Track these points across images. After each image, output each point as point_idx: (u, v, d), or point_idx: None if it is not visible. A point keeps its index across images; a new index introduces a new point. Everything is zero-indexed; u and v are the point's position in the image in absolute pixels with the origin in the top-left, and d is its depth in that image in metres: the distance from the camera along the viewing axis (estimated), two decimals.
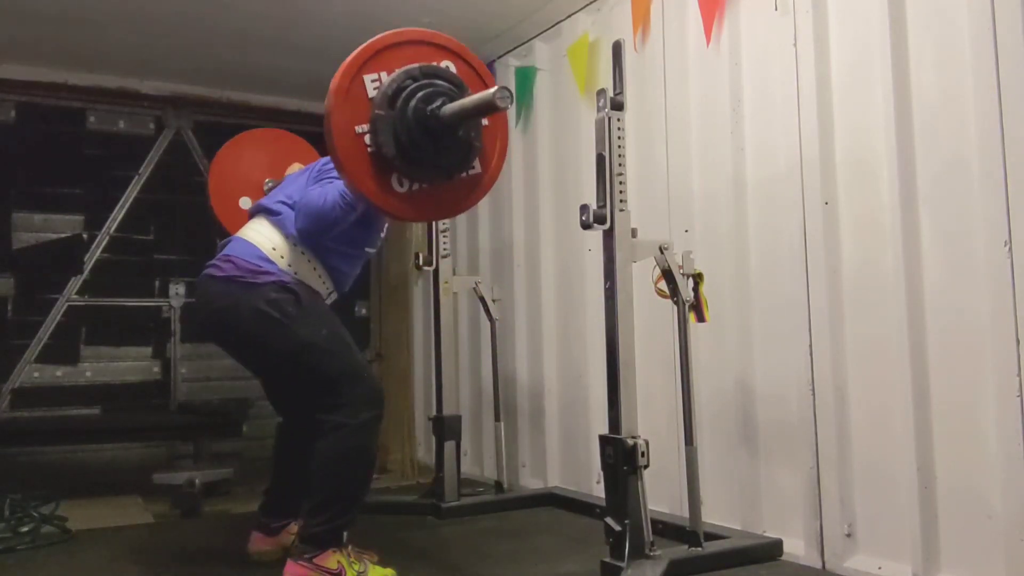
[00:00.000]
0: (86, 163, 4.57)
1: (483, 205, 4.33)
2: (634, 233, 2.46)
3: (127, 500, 3.87)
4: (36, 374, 4.38)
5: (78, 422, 4.34)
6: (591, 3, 3.61)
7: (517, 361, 4.01)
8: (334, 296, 2.67)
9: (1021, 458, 2.04)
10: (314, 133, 5.31)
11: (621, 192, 2.40)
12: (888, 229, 2.38)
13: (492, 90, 2.09)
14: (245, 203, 3.18)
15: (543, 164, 3.93)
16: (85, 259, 4.52)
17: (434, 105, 2.21)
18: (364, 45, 2.25)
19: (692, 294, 2.60)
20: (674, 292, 2.58)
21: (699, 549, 2.53)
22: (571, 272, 3.70)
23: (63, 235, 4.50)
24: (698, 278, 2.62)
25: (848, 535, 2.47)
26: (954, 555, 2.22)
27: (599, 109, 2.44)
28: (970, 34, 2.20)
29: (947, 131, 2.27)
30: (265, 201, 2.69)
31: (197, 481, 3.64)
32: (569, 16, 3.73)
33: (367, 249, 2.71)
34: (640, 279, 2.56)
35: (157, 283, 4.68)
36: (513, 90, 4.03)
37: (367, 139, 2.21)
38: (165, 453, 4.46)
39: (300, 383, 2.53)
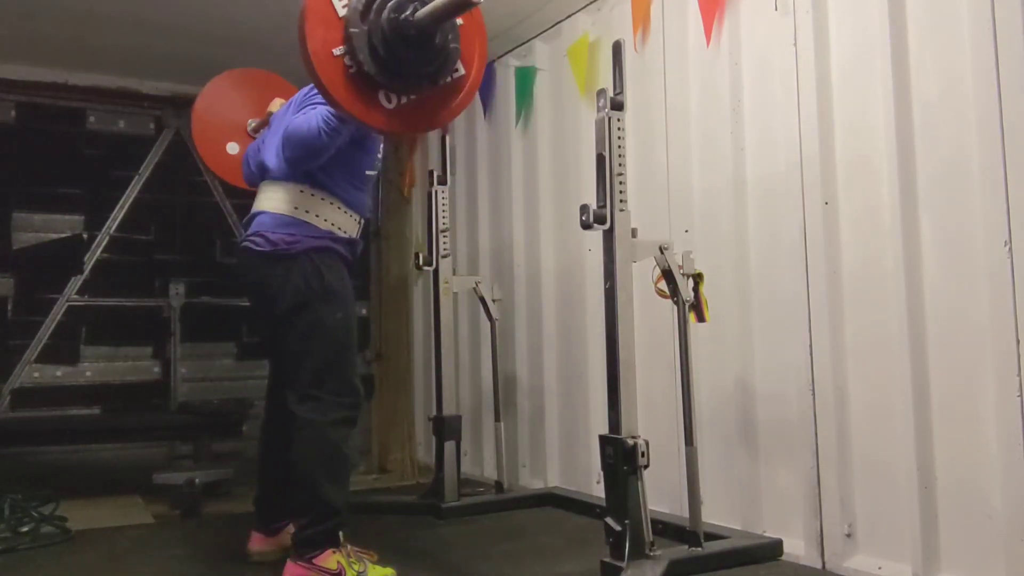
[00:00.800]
0: (86, 163, 4.56)
1: (483, 205, 4.35)
2: (634, 233, 2.45)
3: (127, 500, 3.87)
4: (36, 374, 4.37)
5: (78, 422, 4.33)
6: (591, 3, 3.61)
7: (517, 361, 4.01)
8: (362, 224, 2.69)
9: (1021, 458, 2.04)
10: None
11: (621, 192, 2.40)
12: (888, 229, 2.38)
13: None
14: (233, 148, 3.17)
15: (543, 164, 3.93)
16: (85, 259, 4.52)
17: (407, 12, 2.17)
18: None
19: (692, 294, 2.60)
20: (674, 292, 2.58)
21: (699, 549, 2.53)
22: (571, 272, 3.70)
23: (63, 235, 4.50)
24: (698, 278, 2.62)
25: (848, 535, 2.47)
26: (954, 555, 2.22)
27: (599, 109, 2.44)
28: (970, 34, 2.20)
29: (947, 131, 2.27)
30: (264, 156, 2.67)
31: (197, 481, 3.64)
32: (569, 16, 3.73)
33: (368, 172, 2.71)
34: (640, 279, 2.56)
35: (157, 283, 4.67)
36: (502, 87, 4.05)
37: (346, 60, 2.17)
38: (165, 453, 4.46)
39: (293, 353, 2.52)
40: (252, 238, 2.56)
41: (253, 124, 3.15)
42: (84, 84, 4.50)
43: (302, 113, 2.51)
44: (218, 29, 3.93)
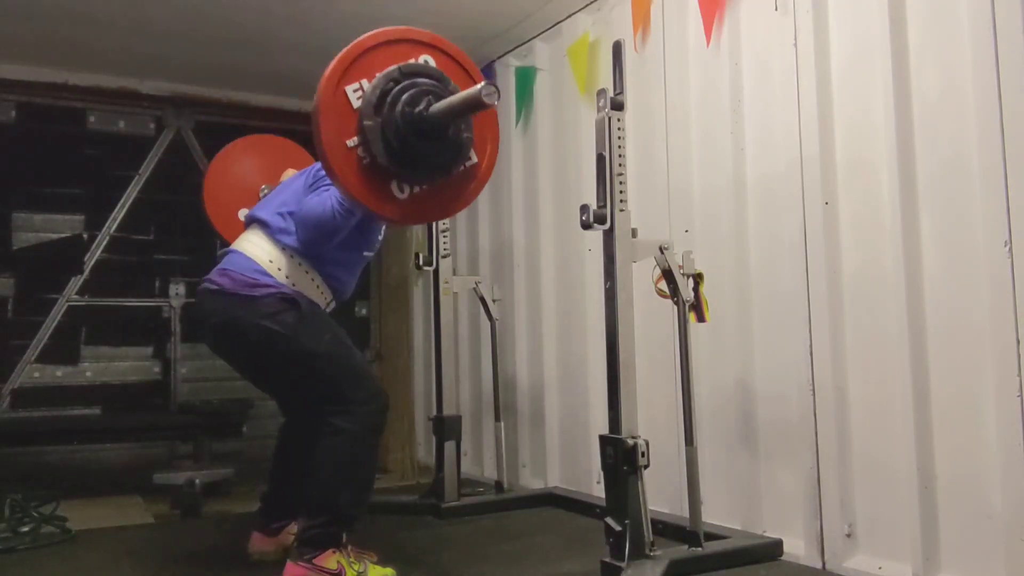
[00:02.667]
0: (86, 163, 4.56)
1: (483, 205, 4.34)
2: (634, 233, 2.46)
3: (127, 500, 3.87)
4: (36, 374, 4.37)
5: (78, 422, 4.33)
6: (591, 3, 3.61)
7: (517, 361, 4.01)
8: (333, 305, 2.66)
9: (1021, 458, 2.04)
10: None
11: (621, 192, 2.40)
12: (888, 228, 2.38)
13: (479, 87, 2.06)
14: (243, 214, 3.17)
15: (543, 164, 3.93)
16: (85, 259, 4.52)
17: (420, 106, 2.18)
18: (338, 57, 2.21)
19: (692, 294, 2.60)
20: (674, 292, 2.58)
21: (699, 549, 2.53)
22: (571, 272, 3.70)
23: (63, 235, 4.50)
24: (698, 278, 2.62)
25: (848, 535, 2.47)
26: (954, 555, 2.22)
27: (599, 109, 2.44)
28: (970, 33, 2.20)
29: (947, 130, 2.27)
30: (259, 211, 2.66)
31: (197, 481, 3.64)
32: (569, 16, 3.73)
33: (365, 253, 2.70)
34: (640, 279, 2.56)
35: (157, 283, 4.67)
36: (502, 87, 4.03)
37: (360, 151, 2.18)
38: (165, 453, 4.46)
39: (305, 389, 2.52)
40: (213, 279, 2.52)
41: (265, 190, 3.15)
42: (84, 84, 4.50)
43: (315, 194, 2.47)
44: (218, 29, 3.93)
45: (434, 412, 3.65)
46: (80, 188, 4.54)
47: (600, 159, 2.42)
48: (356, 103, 2.19)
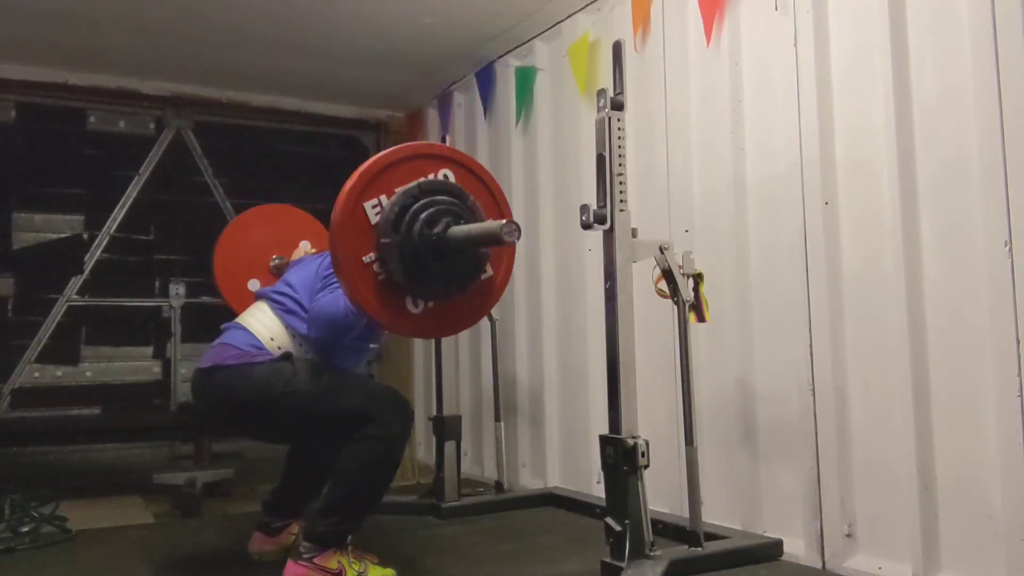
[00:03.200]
0: (86, 163, 4.56)
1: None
2: (634, 233, 2.45)
3: (127, 500, 3.87)
4: (36, 374, 4.37)
5: (78, 422, 4.33)
6: (591, 3, 3.61)
7: (517, 361, 4.01)
8: None
9: (1021, 458, 2.04)
10: (313, 133, 5.32)
11: (621, 192, 2.40)
12: (888, 229, 2.38)
13: (499, 224, 2.08)
14: (254, 285, 3.15)
15: (543, 164, 3.93)
16: (85, 259, 4.52)
17: (439, 228, 2.20)
18: (358, 172, 2.21)
19: (692, 294, 2.60)
20: (674, 292, 2.58)
21: (699, 549, 2.53)
22: (571, 272, 3.70)
23: (63, 235, 4.50)
24: (698, 278, 2.62)
25: (848, 535, 2.47)
26: (954, 555, 2.22)
27: (599, 109, 2.44)
28: (970, 34, 2.20)
29: (947, 131, 2.27)
30: (270, 290, 2.66)
31: (197, 481, 3.64)
32: (569, 16, 3.73)
33: (372, 345, 2.70)
34: (640, 279, 2.56)
35: (157, 283, 4.67)
36: (502, 87, 4.06)
37: (375, 267, 2.19)
38: (165, 453, 4.46)
39: (330, 429, 2.46)
40: (207, 357, 2.51)
41: (276, 260, 3.15)
42: (84, 84, 4.50)
43: (329, 291, 2.46)
44: (218, 29, 3.93)
45: (434, 412, 3.65)
46: (80, 188, 4.54)
47: (600, 159, 2.42)
48: (374, 219, 2.19)
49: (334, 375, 2.49)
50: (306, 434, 2.60)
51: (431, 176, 2.29)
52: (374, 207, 2.20)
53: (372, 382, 2.58)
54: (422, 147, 2.37)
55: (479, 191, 2.37)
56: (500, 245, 2.19)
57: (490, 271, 2.40)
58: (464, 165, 2.40)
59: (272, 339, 2.50)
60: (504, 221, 2.09)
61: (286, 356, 2.47)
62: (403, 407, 2.49)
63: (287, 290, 2.60)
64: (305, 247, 2.96)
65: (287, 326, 2.53)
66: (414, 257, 2.19)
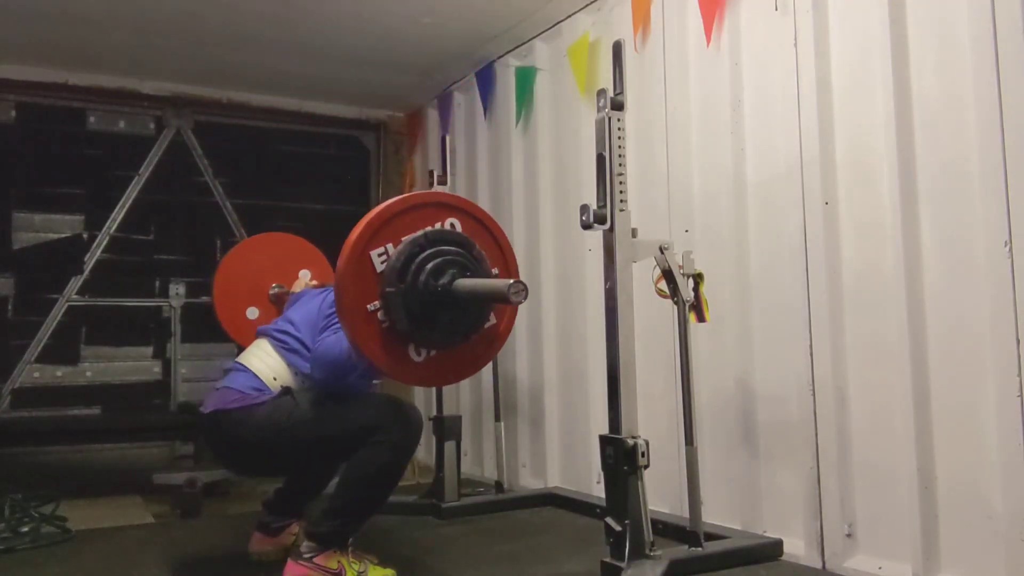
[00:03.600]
0: (86, 163, 4.56)
1: (483, 205, 4.33)
2: (634, 233, 2.45)
3: (127, 500, 3.87)
4: (36, 374, 4.37)
5: (78, 422, 4.33)
6: (591, 3, 3.61)
7: (517, 361, 4.01)
8: None
9: (1021, 458, 2.04)
10: (313, 133, 5.32)
11: (621, 192, 2.40)
12: (888, 229, 2.38)
13: (506, 284, 2.07)
14: (252, 313, 3.15)
15: (543, 164, 3.93)
16: (85, 259, 4.52)
17: (444, 279, 2.20)
18: (366, 221, 2.21)
19: (692, 294, 2.60)
20: (674, 292, 2.58)
21: (699, 549, 2.53)
22: (571, 272, 3.70)
23: (63, 235, 4.50)
24: (698, 278, 2.62)
25: (848, 535, 2.47)
26: (954, 555, 2.22)
27: (599, 109, 2.44)
28: (970, 34, 2.20)
29: (947, 131, 2.27)
30: (272, 328, 2.67)
31: (197, 481, 3.64)
32: (569, 16, 3.73)
33: (374, 382, 2.70)
34: (640, 279, 2.56)
35: (157, 283, 4.67)
36: (502, 87, 4.06)
37: (380, 315, 2.20)
38: (165, 453, 4.46)
39: (346, 448, 2.46)
40: (210, 402, 2.51)
41: (275, 289, 3.15)
42: (84, 84, 4.50)
43: (332, 331, 2.46)
44: (218, 30, 3.93)
45: (434, 412, 3.65)
46: (80, 188, 4.54)
47: (600, 159, 2.42)
48: (380, 267, 2.20)
49: (336, 398, 2.49)
50: (321, 458, 2.59)
51: (438, 225, 2.30)
52: (380, 255, 2.20)
53: (376, 395, 2.57)
54: (430, 196, 2.39)
55: (485, 240, 2.38)
56: (507, 304, 2.18)
57: (493, 319, 2.40)
58: (471, 214, 2.40)
59: (275, 379, 2.51)
60: (512, 281, 2.08)
61: (286, 391, 2.47)
62: (411, 415, 2.48)
63: (289, 328, 2.60)
64: (305, 277, 2.96)
65: (290, 365, 2.53)
66: (419, 306, 2.19)
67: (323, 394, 2.50)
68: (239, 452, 2.52)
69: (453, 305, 2.22)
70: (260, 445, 2.44)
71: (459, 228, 2.34)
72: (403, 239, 2.23)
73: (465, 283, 2.20)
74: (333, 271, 2.32)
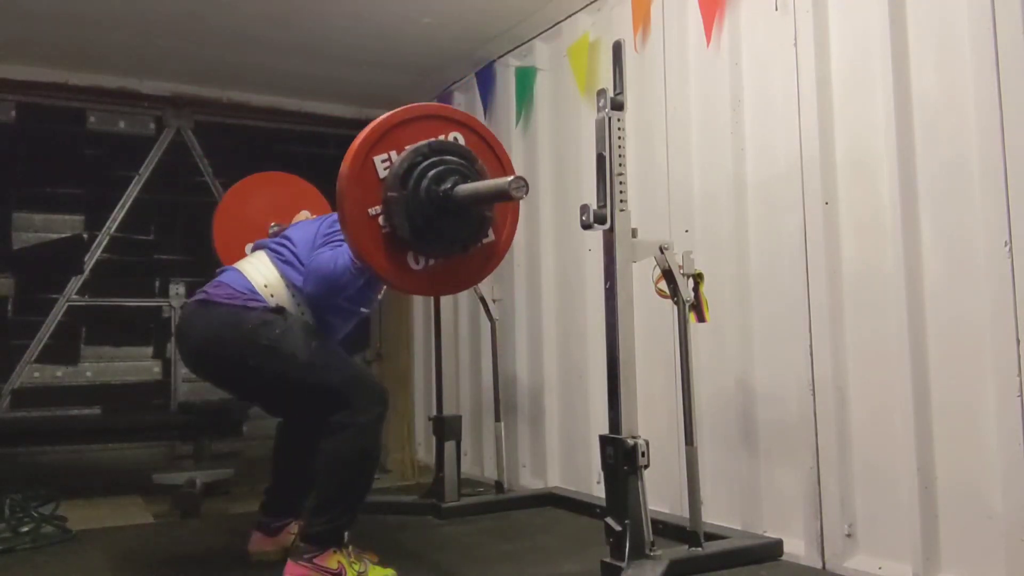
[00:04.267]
0: (86, 163, 4.56)
1: None
2: (634, 233, 2.45)
3: (127, 500, 3.87)
4: (36, 374, 4.37)
5: (78, 422, 4.34)
6: (591, 3, 3.61)
7: (517, 361, 4.01)
8: None
9: (1021, 458, 2.04)
10: (313, 133, 5.32)
11: (621, 192, 2.40)
12: (888, 229, 2.38)
13: (507, 179, 2.10)
14: (249, 248, 3.16)
15: (543, 164, 3.93)
16: (85, 259, 4.52)
17: (446, 185, 2.22)
18: (371, 127, 2.24)
19: (692, 294, 2.60)
20: (674, 292, 2.58)
21: (699, 549, 2.53)
22: (571, 272, 3.70)
23: (63, 235, 4.50)
24: (698, 278, 2.62)
25: (848, 535, 2.47)
26: (954, 555, 2.22)
27: (599, 109, 2.43)
28: (970, 34, 2.20)
29: (947, 131, 2.27)
30: (268, 241, 2.68)
31: (197, 481, 3.64)
32: (569, 16, 3.72)
33: (363, 309, 2.70)
34: (640, 279, 2.56)
35: (157, 283, 4.68)
36: (502, 87, 4.06)
37: (381, 220, 2.21)
38: (165, 453, 4.46)
39: (301, 400, 2.52)
40: (203, 291, 2.52)
41: (275, 228, 3.15)
42: (84, 84, 4.50)
43: (329, 247, 2.47)
44: (218, 30, 3.94)
45: (434, 412, 3.65)
46: (80, 188, 4.54)
47: (600, 159, 2.42)
48: (383, 173, 2.22)
49: (322, 345, 2.48)
50: (277, 397, 2.60)
51: (441, 137, 2.32)
52: (383, 161, 2.23)
53: (355, 364, 2.58)
54: (434, 108, 2.39)
55: (488, 156, 2.40)
56: (508, 200, 2.20)
57: (492, 236, 2.42)
58: (474, 130, 2.42)
59: (266, 286, 2.50)
60: (512, 177, 2.11)
61: (279, 310, 2.46)
62: (379, 393, 2.50)
63: (287, 243, 2.61)
64: (305, 215, 2.96)
65: (283, 276, 2.53)
66: (420, 213, 2.21)
67: (312, 333, 2.48)
68: (209, 350, 2.49)
69: (454, 213, 2.24)
70: (232, 350, 2.42)
71: (462, 142, 2.36)
72: (407, 147, 2.25)
73: (467, 186, 2.22)
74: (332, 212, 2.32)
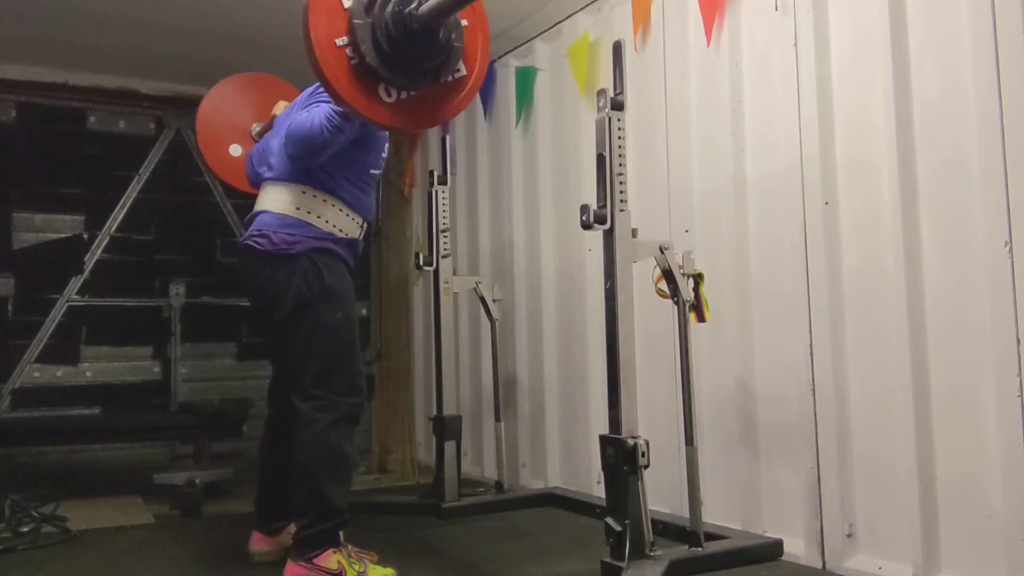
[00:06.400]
0: (86, 163, 4.56)
1: (483, 205, 4.34)
2: (634, 233, 2.46)
3: (127, 500, 3.87)
4: (36, 374, 4.37)
5: (78, 422, 4.33)
6: (591, 3, 3.61)
7: (517, 361, 4.01)
8: (365, 227, 2.71)
9: (1021, 458, 2.04)
10: None
11: (621, 192, 2.40)
12: (888, 228, 2.38)
13: None
14: (236, 151, 3.17)
15: (543, 164, 3.93)
16: (85, 259, 4.52)
17: (411, 6, 2.17)
18: None
19: (692, 294, 2.60)
20: (674, 292, 2.58)
21: (699, 549, 2.53)
22: (571, 272, 3.70)
23: (63, 235, 4.49)
24: (698, 278, 2.62)
25: (848, 535, 2.47)
26: (954, 555, 2.22)
27: (599, 109, 2.44)
28: (970, 33, 2.20)
29: (947, 130, 2.27)
30: (261, 166, 2.72)
31: (197, 481, 3.64)
32: (569, 16, 3.73)
33: (373, 171, 2.71)
34: (640, 279, 2.56)
35: (157, 283, 4.67)
36: (502, 87, 4.06)
37: (349, 51, 2.18)
38: (165, 453, 4.46)
39: (297, 353, 2.54)
40: (254, 237, 2.57)
41: (257, 128, 3.15)
42: (84, 84, 4.50)
43: (305, 111, 2.50)
44: (218, 29, 3.93)
45: (434, 412, 3.65)
46: (80, 188, 4.53)
47: (600, 159, 2.42)
48: (348, 2, 2.18)
49: (347, 314, 2.55)
50: (287, 344, 2.60)
51: None
52: None
53: (355, 356, 2.60)
54: None
55: None
56: (471, 2, 2.16)
57: (464, 70, 2.39)
58: None
59: (298, 208, 2.56)
60: None
61: (327, 252, 2.53)
62: (356, 393, 2.54)
63: (270, 155, 2.67)
64: (282, 105, 2.97)
65: (296, 187, 2.57)
66: (387, 38, 2.17)
67: (347, 301, 2.56)
68: (258, 294, 2.62)
69: (421, 37, 2.20)
70: (277, 296, 2.52)
71: None
72: None
73: (429, 2, 2.17)
74: None
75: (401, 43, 2.19)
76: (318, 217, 2.55)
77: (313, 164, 2.54)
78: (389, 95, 2.25)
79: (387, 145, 2.78)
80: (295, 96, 2.86)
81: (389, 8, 2.18)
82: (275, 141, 2.69)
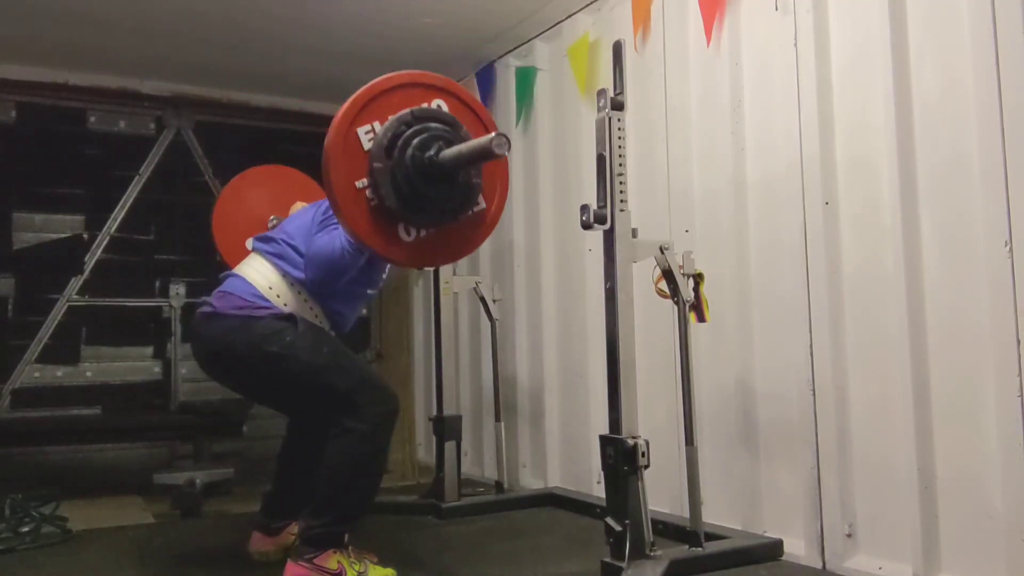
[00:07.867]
0: (86, 163, 4.56)
1: None
2: (634, 233, 2.45)
3: (127, 500, 3.87)
4: (36, 374, 4.37)
5: (78, 422, 4.33)
6: (591, 3, 3.61)
7: (517, 361, 4.01)
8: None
9: (1021, 458, 2.04)
10: (313, 133, 5.30)
11: (621, 192, 2.40)
12: (888, 228, 2.38)
13: (489, 137, 2.08)
14: (251, 244, 3.17)
15: (543, 164, 3.93)
16: (85, 259, 4.52)
17: (431, 152, 2.20)
18: (351, 99, 2.23)
19: (692, 294, 2.60)
20: (674, 292, 2.58)
21: (699, 549, 2.53)
22: (571, 272, 3.70)
23: (63, 235, 4.50)
24: (698, 278, 2.62)
25: (849, 535, 2.47)
26: (954, 555, 2.22)
27: (599, 109, 2.44)
28: (970, 33, 2.20)
29: (947, 130, 2.27)
30: (264, 240, 2.68)
31: (197, 481, 3.64)
32: (569, 16, 3.73)
33: (369, 291, 2.70)
34: (640, 279, 2.56)
35: (157, 283, 4.67)
36: (502, 87, 4.06)
37: (368, 193, 2.20)
38: (165, 453, 4.46)
39: (312, 403, 2.52)
40: (212, 302, 2.52)
41: (274, 221, 3.16)
42: (84, 84, 4.50)
43: (324, 232, 2.47)
44: (218, 30, 3.93)
45: (434, 412, 3.65)
46: (80, 188, 4.54)
47: (600, 159, 2.42)
48: (367, 145, 2.21)
49: (333, 349, 2.49)
50: (290, 399, 2.61)
51: (424, 105, 2.31)
52: (367, 133, 2.21)
53: (367, 368, 2.58)
54: (415, 76, 2.37)
55: (472, 122, 2.37)
56: (492, 158, 2.17)
57: (483, 204, 2.40)
58: (457, 96, 2.40)
59: (271, 288, 2.50)
60: (493, 134, 2.09)
61: (289, 317, 2.47)
62: (389, 400, 2.49)
63: (282, 237, 2.62)
64: (300, 205, 2.97)
65: (284, 274, 2.53)
66: (406, 181, 2.19)
67: (323, 338, 2.50)
68: (223, 360, 2.52)
69: (441, 180, 2.22)
70: (246, 360, 2.45)
71: (446, 109, 2.34)
72: (390, 117, 2.23)
73: (450, 150, 2.20)
74: None
75: (421, 186, 2.20)
76: (284, 305, 2.49)
77: (335, 288, 2.50)
78: (408, 234, 2.27)
79: (388, 267, 2.73)
80: (316, 193, 2.84)
81: (409, 152, 2.20)
82: (290, 226, 2.65)
